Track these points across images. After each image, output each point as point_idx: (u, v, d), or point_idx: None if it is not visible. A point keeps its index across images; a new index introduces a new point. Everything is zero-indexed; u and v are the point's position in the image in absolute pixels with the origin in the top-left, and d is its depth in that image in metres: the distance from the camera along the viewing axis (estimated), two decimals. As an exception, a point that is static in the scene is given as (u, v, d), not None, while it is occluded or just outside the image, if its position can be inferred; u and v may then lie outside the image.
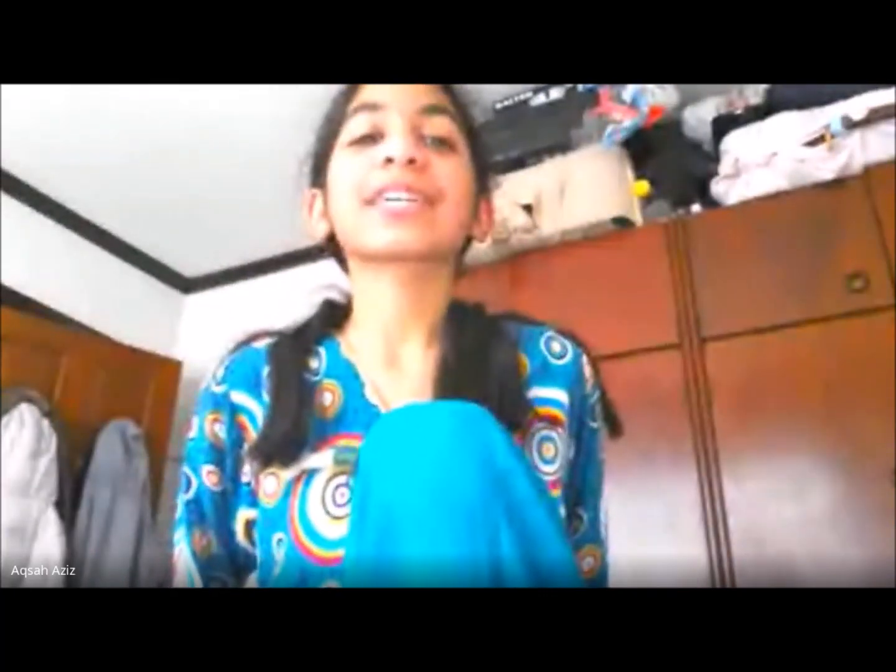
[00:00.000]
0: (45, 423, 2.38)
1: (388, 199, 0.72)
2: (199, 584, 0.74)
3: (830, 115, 1.90)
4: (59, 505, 2.33)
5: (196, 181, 2.80)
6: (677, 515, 1.74)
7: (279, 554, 0.67)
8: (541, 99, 2.34)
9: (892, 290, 1.73)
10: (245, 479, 0.73)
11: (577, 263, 2.05)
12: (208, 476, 0.74)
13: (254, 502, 0.72)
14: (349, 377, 0.74)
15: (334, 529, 0.65)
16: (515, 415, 0.69)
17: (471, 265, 0.91)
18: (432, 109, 0.77)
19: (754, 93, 2.17)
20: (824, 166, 1.88)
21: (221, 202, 2.90)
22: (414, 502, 0.57)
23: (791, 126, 1.96)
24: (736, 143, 2.05)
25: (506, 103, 2.38)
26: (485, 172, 0.83)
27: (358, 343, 0.78)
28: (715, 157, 2.13)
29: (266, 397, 0.72)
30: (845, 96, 1.91)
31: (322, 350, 0.77)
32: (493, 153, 1.06)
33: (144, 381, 2.85)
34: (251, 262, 3.30)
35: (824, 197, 1.88)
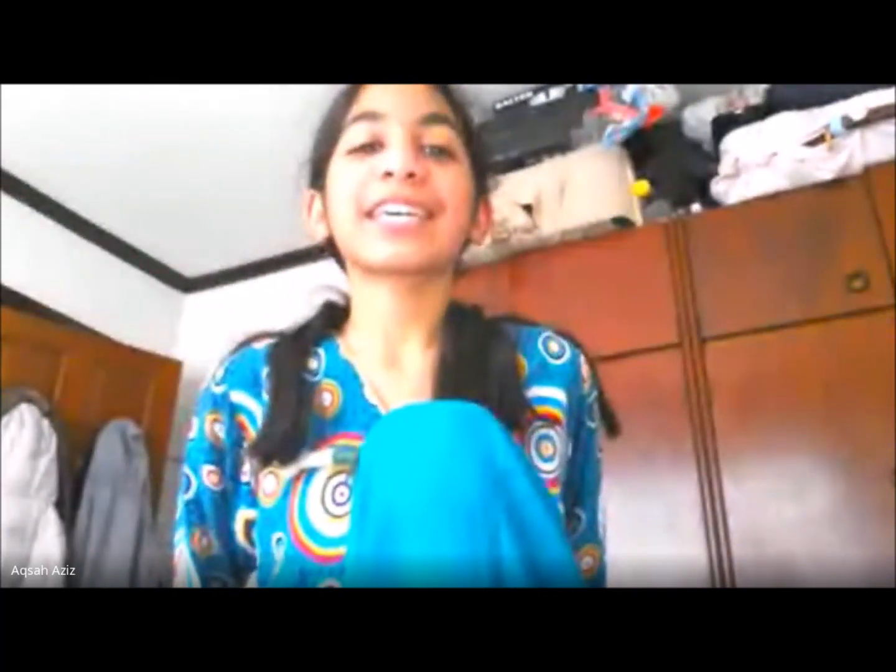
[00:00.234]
0: (45, 423, 2.38)
1: (387, 213, 0.72)
2: (197, 585, 0.74)
3: (830, 115, 1.90)
4: (59, 505, 2.33)
5: (196, 181, 2.80)
6: (677, 515, 1.74)
7: (278, 553, 0.68)
8: (541, 99, 2.34)
9: (892, 290, 1.73)
10: (245, 478, 0.73)
11: (577, 263, 2.05)
12: (208, 476, 0.74)
13: (253, 502, 0.72)
14: (348, 377, 0.74)
15: (334, 528, 0.65)
16: (514, 414, 0.69)
17: (470, 265, 0.91)
18: (432, 119, 0.76)
19: (754, 93, 2.17)
20: (824, 166, 1.88)
21: (221, 202, 2.90)
22: (414, 502, 0.57)
23: (791, 126, 1.96)
24: (736, 143, 2.05)
25: (506, 103, 2.38)
26: (484, 175, 0.83)
27: (357, 344, 0.78)
28: (715, 157, 2.13)
29: (265, 397, 0.73)
30: (845, 96, 1.91)
31: (321, 351, 0.77)
32: (492, 154, 1.07)
33: (144, 381, 2.85)
34: (251, 262, 3.30)
35: (824, 197, 1.88)
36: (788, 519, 1.65)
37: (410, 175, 0.72)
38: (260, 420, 0.72)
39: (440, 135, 0.76)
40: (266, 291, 3.19)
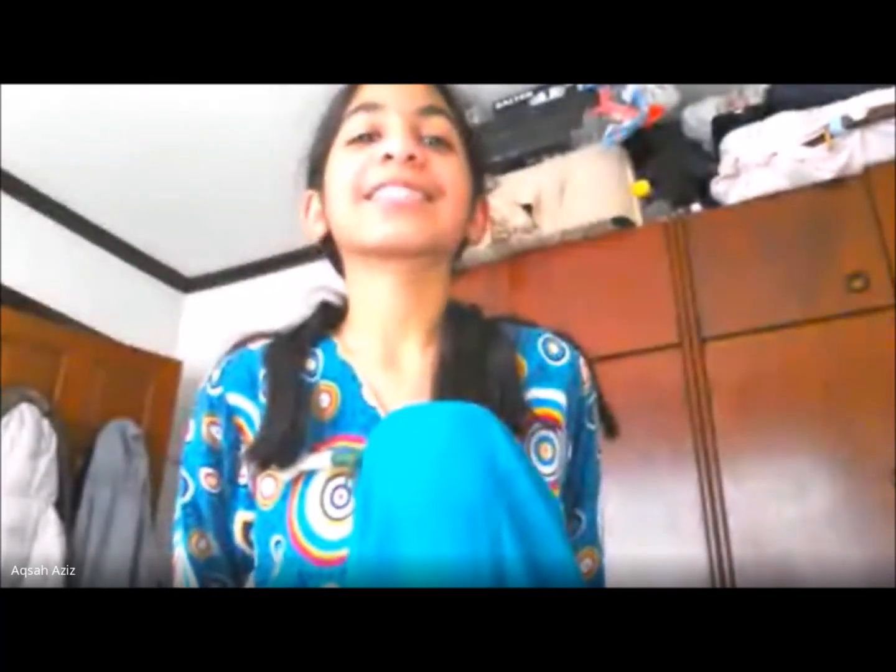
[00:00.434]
0: (45, 423, 2.38)
1: (387, 192, 0.72)
2: (195, 587, 0.73)
3: (830, 115, 1.90)
4: (59, 505, 2.33)
5: (196, 181, 2.80)
6: (677, 515, 1.74)
7: (277, 556, 0.67)
8: (541, 99, 2.34)
9: (892, 290, 1.73)
10: (242, 481, 0.73)
11: (577, 263, 2.05)
12: (206, 478, 0.74)
13: (251, 505, 0.72)
14: (346, 378, 0.74)
15: (333, 531, 0.65)
16: (514, 416, 0.69)
17: (470, 265, 0.91)
18: (430, 110, 0.77)
19: (754, 93, 2.17)
20: (824, 166, 1.88)
21: (221, 202, 2.90)
22: (416, 503, 0.57)
23: (791, 126, 1.96)
24: (736, 143, 2.05)
25: (506, 103, 2.38)
26: (481, 174, 0.83)
27: (355, 344, 0.77)
28: (715, 157, 2.13)
29: (262, 399, 0.72)
30: (845, 96, 1.91)
31: (319, 352, 0.76)
32: (489, 154, 1.06)
33: (144, 381, 2.85)
34: (251, 262, 3.30)
35: (824, 197, 1.88)
36: (788, 519, 1.65)
37: (410, 157, 0.72)
38: (257, 422, 0.72)
39: (438, 125, 0.77)
40: (266, 291, 3.20)
